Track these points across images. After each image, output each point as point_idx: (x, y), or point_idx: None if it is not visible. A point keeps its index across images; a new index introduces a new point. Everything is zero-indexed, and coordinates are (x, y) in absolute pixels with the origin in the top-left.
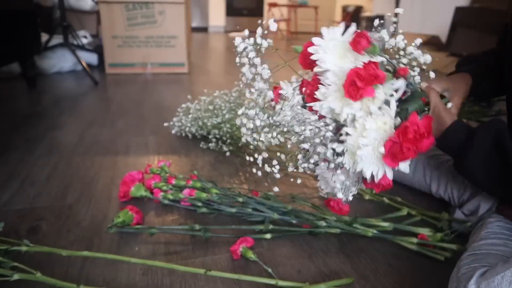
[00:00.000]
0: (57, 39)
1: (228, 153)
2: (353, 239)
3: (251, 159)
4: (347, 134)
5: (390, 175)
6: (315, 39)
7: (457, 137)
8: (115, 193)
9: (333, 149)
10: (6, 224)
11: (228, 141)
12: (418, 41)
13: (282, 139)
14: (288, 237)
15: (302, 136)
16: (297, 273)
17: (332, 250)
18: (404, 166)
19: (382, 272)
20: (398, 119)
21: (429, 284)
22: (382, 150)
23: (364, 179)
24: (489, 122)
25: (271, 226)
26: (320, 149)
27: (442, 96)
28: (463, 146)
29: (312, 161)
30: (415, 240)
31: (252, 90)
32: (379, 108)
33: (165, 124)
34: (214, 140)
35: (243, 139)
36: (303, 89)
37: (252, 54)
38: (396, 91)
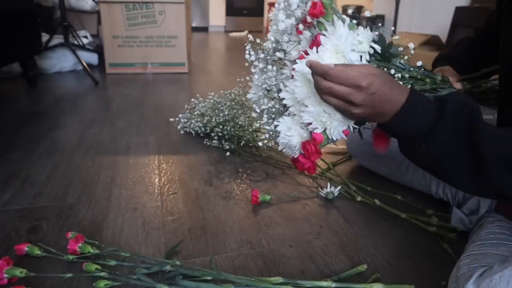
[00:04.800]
0: (58, 39)
1: (228, 153)
2: (353, 239)
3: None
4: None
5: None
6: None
7: (421, 114)
8: (116, 193)
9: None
10: (7, 223)
11: (228, 137)
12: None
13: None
14: (287, 236)
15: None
16: (301, 273)
17: (332, 250)
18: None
19: (383, 272)
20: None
21: (430, 284)
22: None
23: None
24: (460, 100)
25: None
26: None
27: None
28: (428, 128)
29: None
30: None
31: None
32: None
33: (171, 119)
34: (216, 138)
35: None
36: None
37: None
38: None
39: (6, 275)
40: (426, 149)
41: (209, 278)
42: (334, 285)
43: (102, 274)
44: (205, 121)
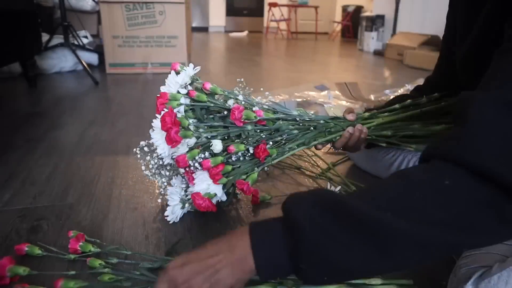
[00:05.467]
0: (58, 39)
1: None
2: None
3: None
4: None
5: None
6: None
7: (274, 249)
8: (116, 193)
9: None
10: (7, 224)
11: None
12: None
13: None
14: None
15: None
16: None
17: None
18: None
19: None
20: None
21: (430, 284)
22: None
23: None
24: (292, 203)
25: None
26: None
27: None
28: (292, 258)
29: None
30: None
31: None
32: None
33: None
34: None
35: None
36: None
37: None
38: None
39: (8, 274)
40: (315, 273)
41: None
42: None
43: (105, 270)
44: None
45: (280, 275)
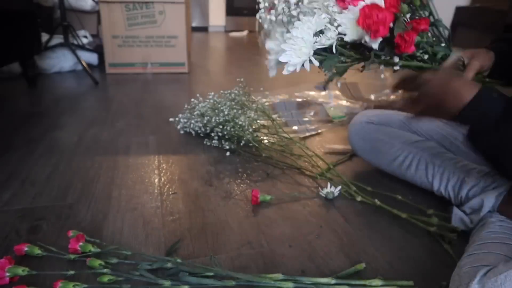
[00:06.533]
0: (58, 39)
1: (228, 153)
2: (353, 239)
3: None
4: None
5: None
6: None
7: (493, 105)
8: (116, 193)
9: None
10: (7, 224)
11: (228, 137)
12: None
13: None
14: (287, 236)
15: None
16: (301, 273)
17: (332, 250)
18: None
19: (383, 273)
20: None
21: (430, 284)
22: None
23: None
24: None
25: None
26: None
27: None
28: (501, 118)
29: None
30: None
31: None
32: None
33: (171, 119)
34: (216, 138)
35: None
36: None
37: None
38: None
39: (8, 274)
40: (490, 142)
41: (210, 274)
42: (333, 281)
43: (105, 270)
44: (205, 121)
45: (479, 114)
